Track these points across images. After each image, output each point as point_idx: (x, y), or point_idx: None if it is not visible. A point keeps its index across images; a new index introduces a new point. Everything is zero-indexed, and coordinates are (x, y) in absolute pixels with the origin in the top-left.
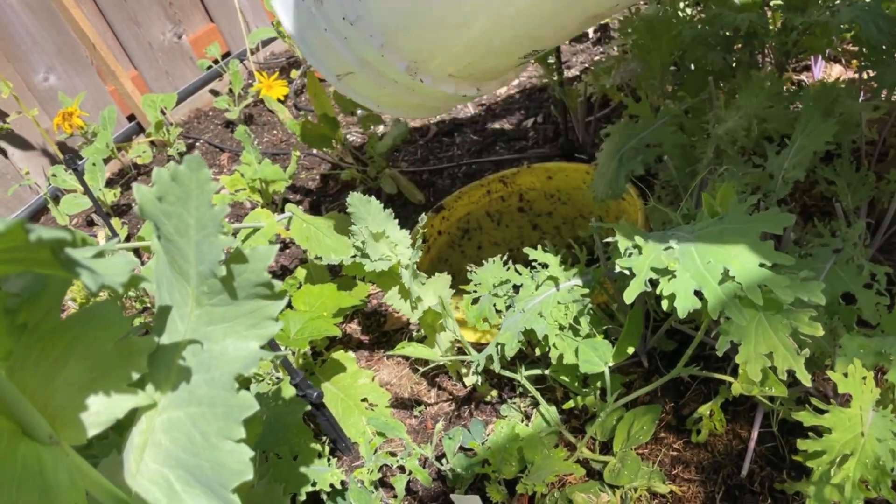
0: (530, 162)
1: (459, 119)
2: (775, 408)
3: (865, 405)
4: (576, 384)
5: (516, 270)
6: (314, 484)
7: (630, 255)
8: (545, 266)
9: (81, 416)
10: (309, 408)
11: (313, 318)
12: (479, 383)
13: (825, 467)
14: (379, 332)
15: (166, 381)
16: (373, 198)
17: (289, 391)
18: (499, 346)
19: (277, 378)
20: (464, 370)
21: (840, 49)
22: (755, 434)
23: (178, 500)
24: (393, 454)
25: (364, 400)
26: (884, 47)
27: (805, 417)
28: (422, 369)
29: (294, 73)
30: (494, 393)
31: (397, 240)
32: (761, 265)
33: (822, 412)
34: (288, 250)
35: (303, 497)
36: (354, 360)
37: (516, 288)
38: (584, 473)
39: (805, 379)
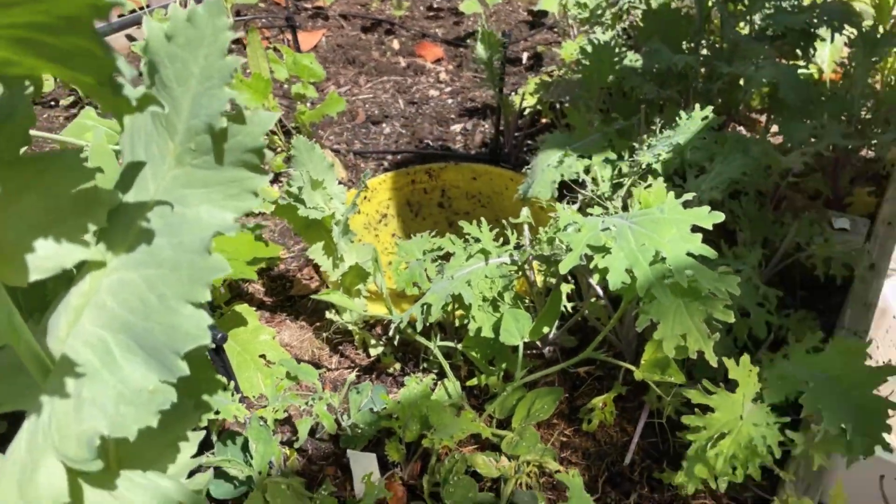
0: (457, 162)
1: (389, 111)
2: (662, 406)
3: (748, 394)
4: (483, 362)
5: (450, 239)
6: (217, 413)
7: (569, 231)
8: (477, 241)
9: (27, 258)
10: (213, 345)
11: (229, 259)
12: (385, 354)
13: (703, 442)
14: (284, 295)
15: (122, 241)
16: (317, 145)
17: None
18: (425, 307)
19: None
20: (372, 340)
21: (751, 111)
22: (640, 428)
23: (114, 365)
24: (302, 397)
25: (262, 357)
26: (796, 107)
27: (694, 395)
28: (326, 334)
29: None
30: (398, 366)
31: (334, 193)
32: (689, 254)
33: (710, 393)
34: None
35: (203, 423)
36: (257, 316)
37: (448, 256)
38: (489, 434)
39: (712, 359)
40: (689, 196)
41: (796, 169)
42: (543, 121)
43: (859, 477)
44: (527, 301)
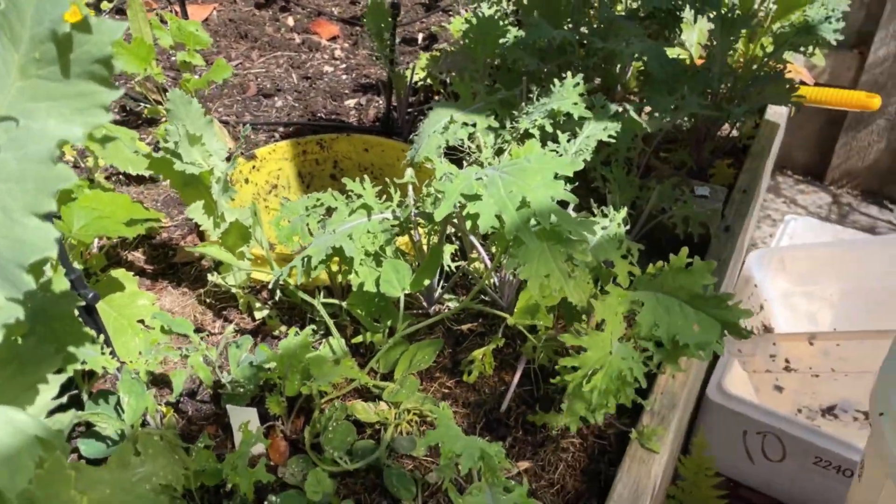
0: (349, 133)
1: (282, 85)
2: (535, 357)
3: (616, 332)
4: (368, 319)
5: (333, 195)
6: (84, 363)
7: (444, 181)
8: (360, 197)
9: None
10: (83, 303)
11: (102, 217)
12: (271, 317)
13: (579, 380)
14: (166, 262)
15: None
16: (195, 99)
17: (61, 284)
18: (305, 259)
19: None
20: (257, 304)
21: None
22: (517, 378)
23: None
24: (177, 349)
25: (141, 321)
26: (662, 80)
27: (568, 339)
28: (209, 300)
29: None
30: (284, 328)
31: (213, 150)
32: (553, 199)
33: (581, 335)
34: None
35: (69, 372)
36: (136, 281)
37: (329, 212)
38: (371, 384)
39: (571, 295)
40: (552, 148)
41: (661, 138)
42: (436, 98)
43: (723, 432)
44: (410, 258)
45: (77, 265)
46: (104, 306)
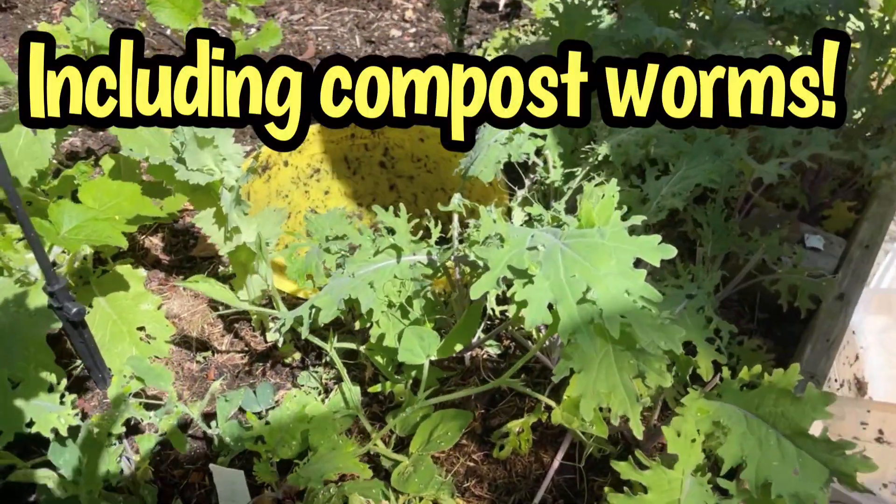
0: None
1: (342, 48)
2: (586, 441)
3: (688, 469)
4: (389, 368)
5: (359, 229)
6: (30, 424)
7: (490, 244)
8: (392, 232)
9: None
10: (59, 325)
11: (97, 219)
12: (282, 343)
13: None
14: (185, 254)
15: None
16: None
17: (38, 299)
18: (313, 310)
19: (31, 278)
20: (270, 324)
21: None
22: (557, 463)
23: None
24: (150, 407)
25: (141, 329)
26: None
27: (624, 470)
28: (221, 310)
29: None
30: (298, 356)
31: (227, 154)
32: (628, 294)
33: (643, 468)
34: (102, 133)
35: (8, 437)
36: (143, 279)
37: (353, 249)
38: (369, 476)
39: (638, 430)
40: (637, 220)
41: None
42: None
43: None
44: (444, 298)
45: (70, 259)
46: (104, 305)
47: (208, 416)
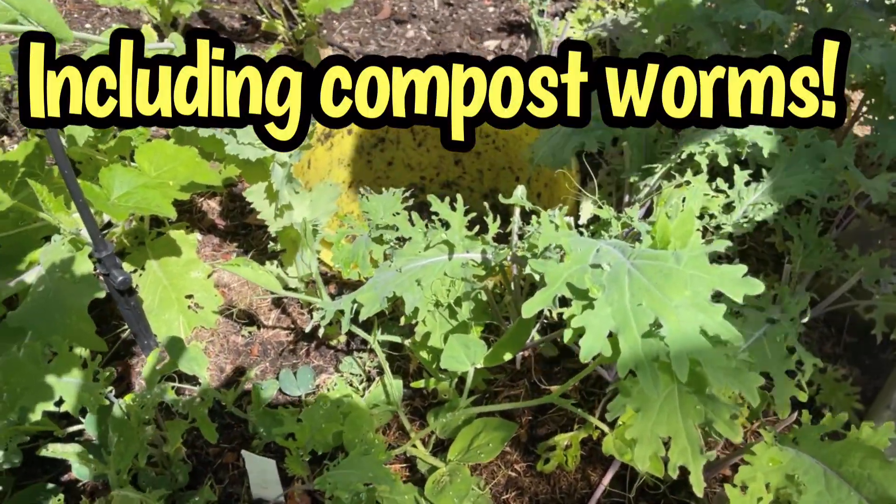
0: None
1: (419, 10)
2: (639, 470)
3: None
4: (434, 366)
5: (410, 219)
6: (60, 402)
7: (549, 256)
8: (446, 226)
9: None
10: (102, 295)
11: (149, 186)
12: (331, 322)
13: None
14: (240, 220)
15: None
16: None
17: (84, 266)
18: (355, 304)
19: (80, 242)
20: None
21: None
22: (605, 484)
23: None
24: (180, 392)
25: (190, 297)
26: None
27: None
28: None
29: None
30: (343, 339)
31: None
32: (702, 331)
33: None
34: None
35: (35, 415)
36: (196, 246)
37: (402, 240)
38: (399, 489)
39: (699, 488)
40: (720, 246)
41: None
42: None
43: None
44: (499, 291)
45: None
46: (157, 269)
47: (246, 395)
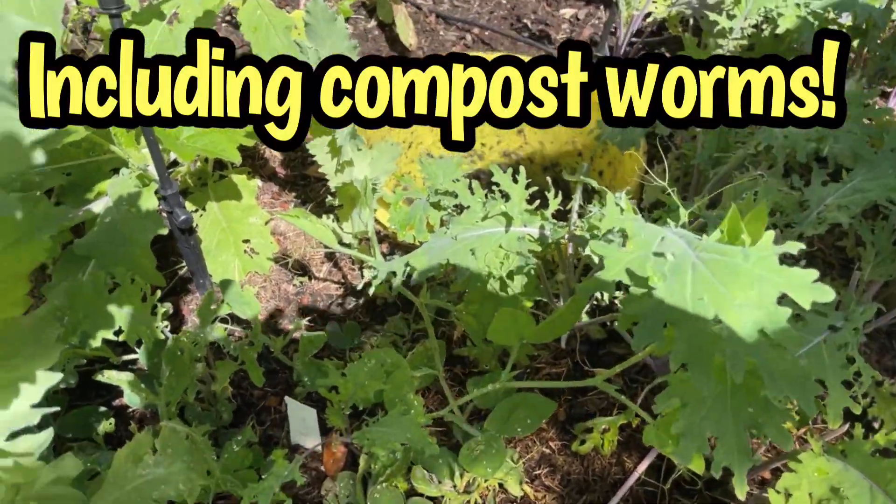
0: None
1: None
2: (676, 462)
3: None
4: (479, 336)
5: (470, 187)
6: (119, 332)
7: (610, 240)
8: (506, 197)
9: None
10: (165, 231)
11: (216, 129)
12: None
13: None
14: (301, 171)
15: None
16: (340, 17)
17: (150, 202)
18: (408, 267)
19: (147, 178)
20: (367, 271)
21: None
22: (640, 472)
23: None
24: (232, 335)
25: (246, 241)
26: None
27: None
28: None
29: None
30: (392, 298)
31: None
32: (762, 333)
33: None
34: (235, 35)
35: (95, 342)
36: (256, 192)
37: (460, 207)
38: (435, 452)
39: (741, 491)
40: (793, 249)
41: None
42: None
43: None
44: (552, 268)
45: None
46: (217, 211)
47: (293, 343)
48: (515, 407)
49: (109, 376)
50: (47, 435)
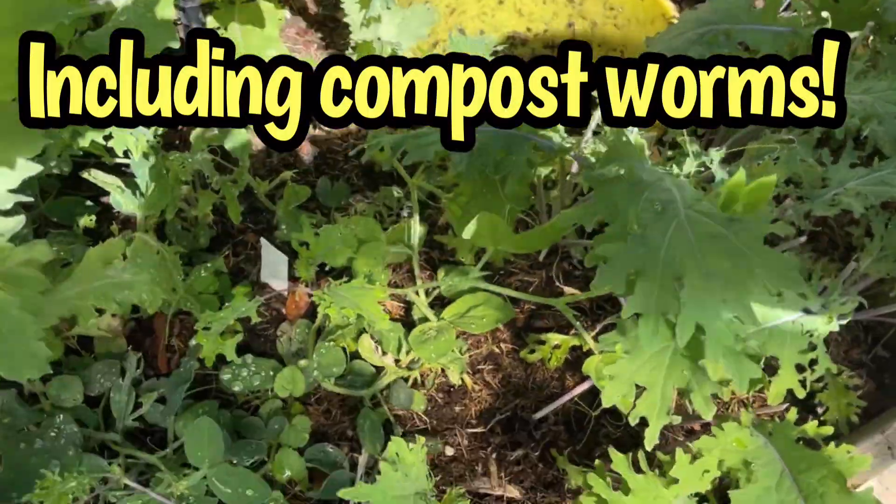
0: None
1: None
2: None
3: (683, 494)
4: (460, 228)
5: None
6: (109, 137)
7: (610, 171)
8: None
9: None
10: (176, 45)
11: None
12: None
13: None
14: (332, 12)
15: None
16: None
17: (167, 11)
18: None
19: None
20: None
21: None
22: (575, 393)
23: None
24: (223, 169)
25: None
26: None
27: (618, 462)
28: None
29: None
30: (387, 169)
31: None
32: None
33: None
34: None
35: (84, 141)
36: (281, 25)
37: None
38: (385, 327)
39: (650, 443)
40: (782, 230)
41: None
42: None
43: None
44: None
45: None
46: (238, 36)
47: (281, 188)
48: (477, 304)
49: (95, 176)
50: (18, 220)
